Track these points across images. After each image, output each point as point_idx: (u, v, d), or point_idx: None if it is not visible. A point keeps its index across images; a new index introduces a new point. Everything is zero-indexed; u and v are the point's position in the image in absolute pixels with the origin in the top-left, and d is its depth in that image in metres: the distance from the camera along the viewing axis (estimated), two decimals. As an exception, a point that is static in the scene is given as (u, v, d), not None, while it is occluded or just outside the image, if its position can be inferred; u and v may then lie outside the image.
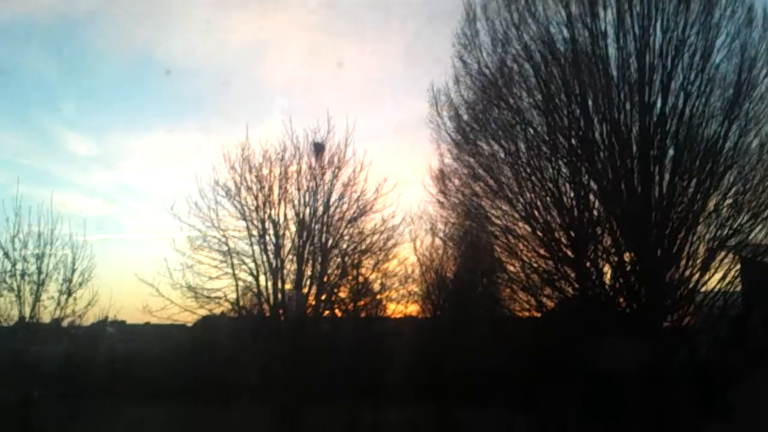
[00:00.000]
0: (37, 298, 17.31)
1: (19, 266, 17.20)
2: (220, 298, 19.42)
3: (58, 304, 17.39)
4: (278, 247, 19.62)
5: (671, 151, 13.90)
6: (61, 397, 21.26)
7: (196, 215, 19.36)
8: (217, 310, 20.18)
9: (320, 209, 19.92)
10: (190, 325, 26.39)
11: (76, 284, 17.53)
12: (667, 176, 13.88)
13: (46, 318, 17.58)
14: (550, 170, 15.14)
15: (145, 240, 49.64)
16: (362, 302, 23.51)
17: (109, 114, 49.42)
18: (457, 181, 17.64)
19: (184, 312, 19.13)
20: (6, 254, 17.09)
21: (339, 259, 20.74)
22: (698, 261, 13.98)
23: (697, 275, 13.97)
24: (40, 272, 17.33)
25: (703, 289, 14.22)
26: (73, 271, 17.50)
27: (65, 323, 17.94)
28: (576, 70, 14.14)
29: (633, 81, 13.85)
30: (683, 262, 13.96)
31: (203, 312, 19.85)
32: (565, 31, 14.26)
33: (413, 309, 27.33)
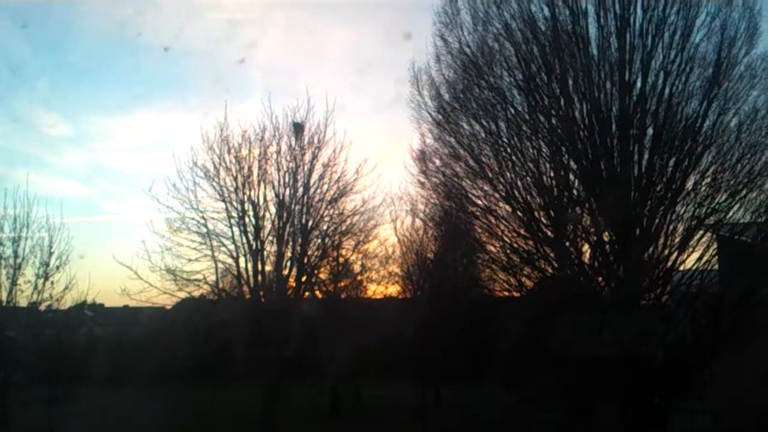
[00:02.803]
0: (13, 283, 17.19)
1: (-6, 250, 16.96)
2: (199, 280, 19.28)
3: (35, 288, 17.27)
4: (258, 228, 19.46)
5: (651, 130, 13.88)
6: (39, 381, 21.10)
7: (175, 197, 19.17)
8: (197, 293, 20.06)
9: (300, 190, 19.79)
10: (169, 308, 26.34)
11: (54, 268, 17.41)
12: (646, 155, 13.88)
13: (23, 302, 17.43)
14: (531, 150, 15.12)
15: (123, 222, 49.38)
16: (342, 283, 23.55)
17: (85, 94, 48.85)
18: (437, 162, 17.59)
19: (163, 295, 18.98)
20: (-20, 238, 16.83)
21: (319, 241, 20.67)
22: (676, 240, 14.03)
23: (675, 254, 14.02)
24: (16, 256, 17.22)
25: (681, 268, 14.32)
26: (50, 254, 17.39)
27: (42, 307, 17.76)
28: (557, 49, 14.03)
29: (613, 60, 13.79)
30: (661, 241, 14.01)
31: (182, 295, 19.75)
32: (546, 10, 14.15)
33: (394, 290, 27.57)
